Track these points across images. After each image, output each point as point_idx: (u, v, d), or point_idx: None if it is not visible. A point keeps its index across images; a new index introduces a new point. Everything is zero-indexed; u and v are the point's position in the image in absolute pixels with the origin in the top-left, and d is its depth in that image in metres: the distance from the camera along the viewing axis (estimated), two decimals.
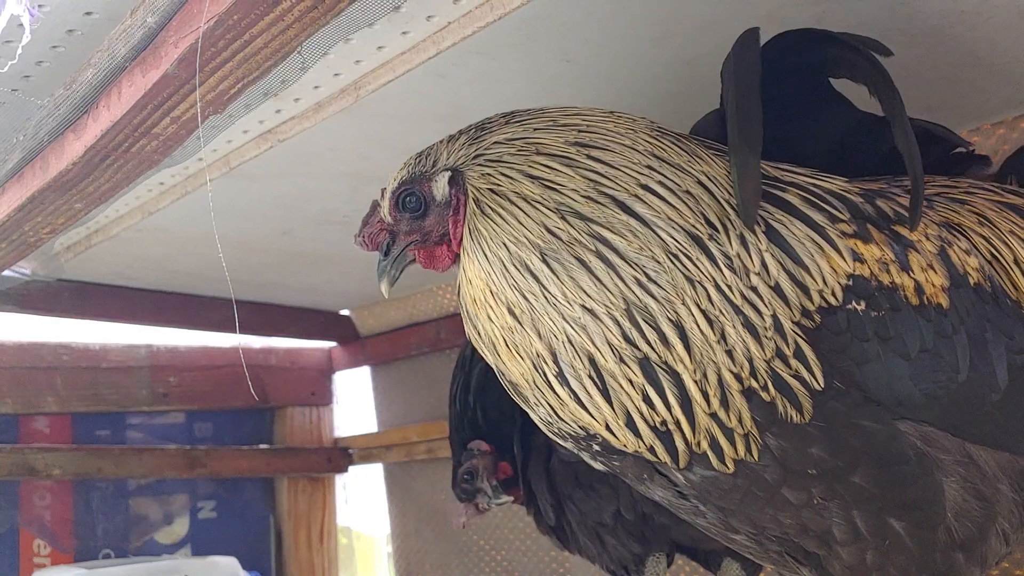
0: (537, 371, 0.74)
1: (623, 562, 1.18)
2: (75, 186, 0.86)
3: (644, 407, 0.72)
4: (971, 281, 0.79)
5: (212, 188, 1.44)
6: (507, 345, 0.75)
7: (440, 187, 0.81)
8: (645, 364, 0.71)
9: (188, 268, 1.93)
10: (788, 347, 0.72)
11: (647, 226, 0.72)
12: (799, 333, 0.72)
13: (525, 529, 2.06)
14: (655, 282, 0.71)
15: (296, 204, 1.52)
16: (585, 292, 0.71)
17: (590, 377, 0.72)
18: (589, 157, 0.75)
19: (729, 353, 0.71)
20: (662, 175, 0.74)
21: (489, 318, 0.75)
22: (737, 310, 0.71)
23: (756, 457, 0.73)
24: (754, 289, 0.72)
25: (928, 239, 0.79)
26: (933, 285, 0.77)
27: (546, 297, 0.72)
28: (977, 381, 0.77)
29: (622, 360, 0.71)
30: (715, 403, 0.71)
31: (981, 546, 0.78)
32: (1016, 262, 0.84)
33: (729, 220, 0.74)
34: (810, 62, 0.89)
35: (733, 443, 0.73)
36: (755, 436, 0.73)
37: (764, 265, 0.73)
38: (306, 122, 1.23)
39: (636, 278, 0.71)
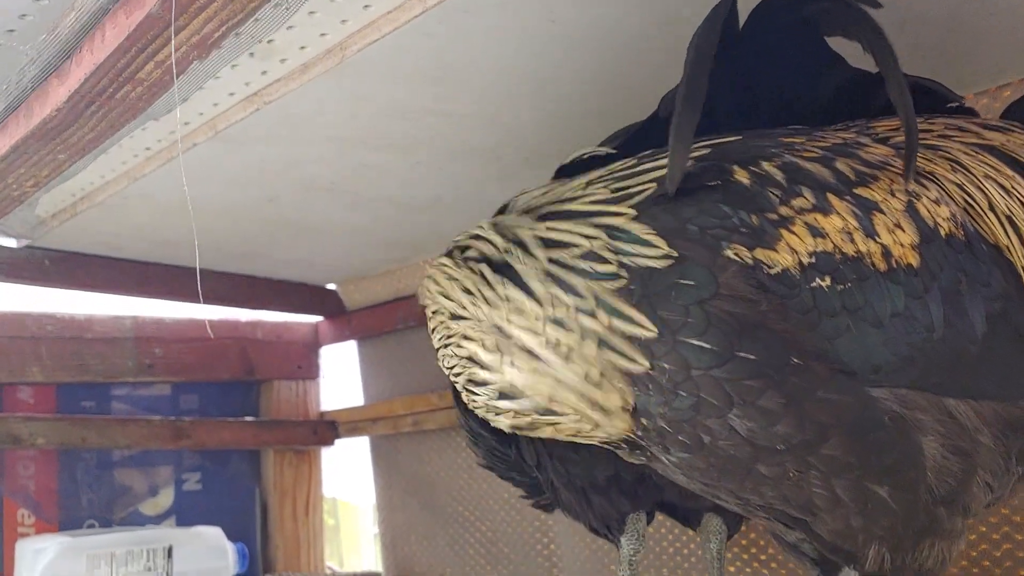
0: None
1: (607, 521, 1.19)
2: (59, 135, 0.86)
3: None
4: (942, 232, 0.79)
5: (197, 154, 1.44)
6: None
7: None
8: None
9: (174, 238, 1.92)
10: None
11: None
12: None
13: (510, 500, 2.07)
14: None
15: (281, 169, 1.52)
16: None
17: None
18: None
19: None
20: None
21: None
22: None
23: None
24: None
25: (895, 195, 0.79)
26: (901, 245, 0.77)
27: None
28: (954, 336, 0.77)
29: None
30: None
31: (963, 498, 0.79)
32: (991, 208, 0.83)
33: None
34: (804, 18, 0.90)
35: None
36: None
37: None
38: (292, 83, 1.22)
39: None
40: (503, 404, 0.79)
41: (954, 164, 0.86)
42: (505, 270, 0.78)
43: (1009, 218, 0.84)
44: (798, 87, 0.97)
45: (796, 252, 0.74)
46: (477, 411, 0.83)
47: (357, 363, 2.47)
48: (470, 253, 0.82)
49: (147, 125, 1.31)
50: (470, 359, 0.79)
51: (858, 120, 0.90)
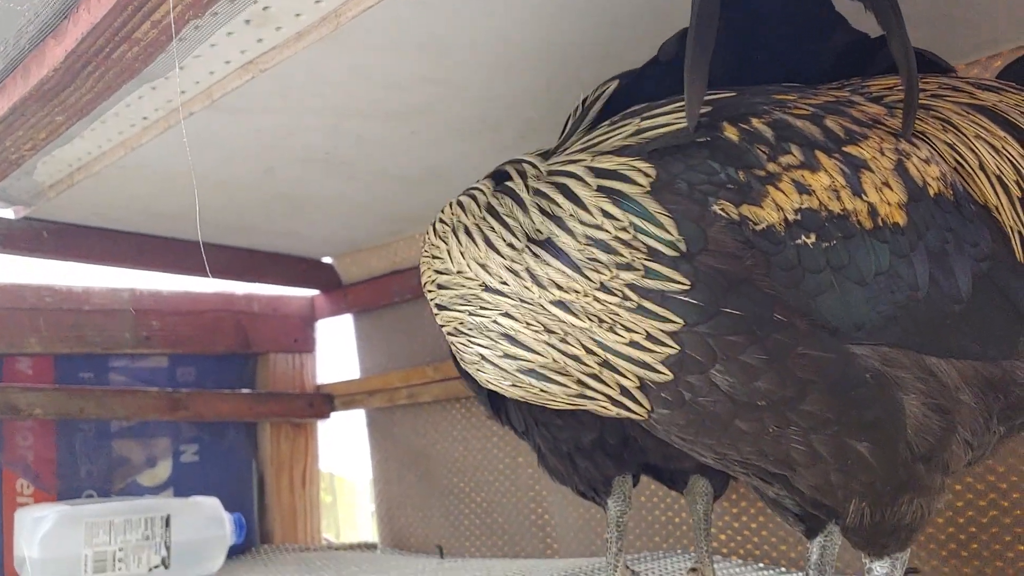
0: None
1: (593, 483, 1.21)
2: (56, 96, 0.87)
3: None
4: (931, 192, 0.79)
5: (193, 124, 1.44)
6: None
7: None
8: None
9: (171, 210, 1.93)
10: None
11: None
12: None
13: (504, 471, 2.09)
14: None
15: (277, 140, 1.53)
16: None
17: None
18: None
19: None
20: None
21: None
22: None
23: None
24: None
25: (884, 154, 0.79)
26: (888, 204, 0.77)
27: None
28: (938, 295, 0.78)
29: None
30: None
31: (942, 455, 0.80)
32: (981, 167, 0.84)
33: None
34: None
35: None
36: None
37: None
38: (287, 51, 1.23)
39: None
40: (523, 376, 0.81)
41: (945, 124, 0.86)
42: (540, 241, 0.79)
43: (999, 178, 0.84)
44: (800, 49, 0.97)
45: (782, 209, 0.75)
46: (490, 384, 0.85)
47: (353, 336, 2.48)
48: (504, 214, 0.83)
49: (144, 94, 1.32)
50: (503, 334, 0.81)
51: (854, 79, 0.91)
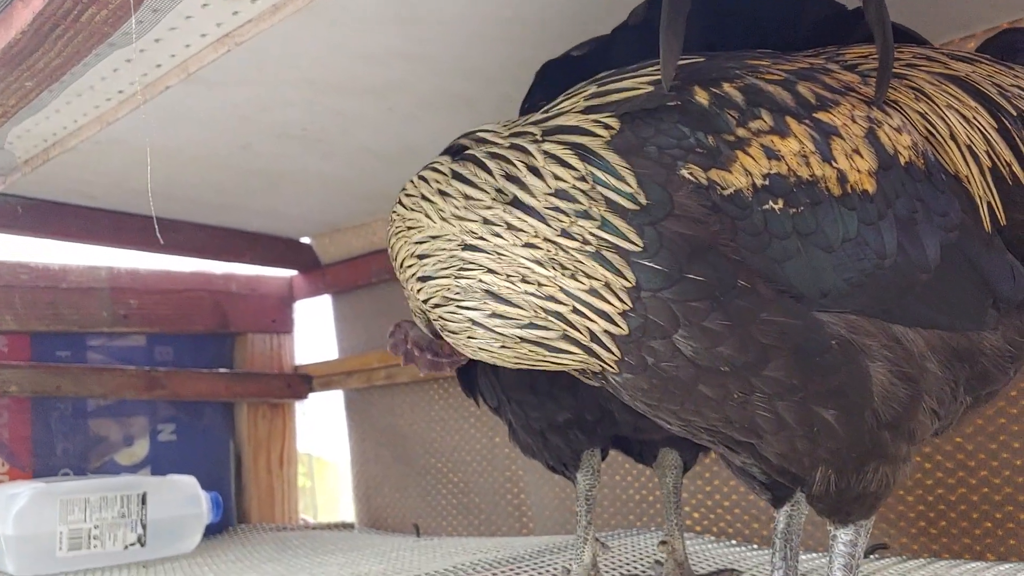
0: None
1: (562, 458, 1.21)
2: (25, 60, 0.86)
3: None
4: (902, 160, 0.80)
5: (170, 98, 1.43)
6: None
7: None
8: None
9: (146, 187, 1.92)
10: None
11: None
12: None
13: (481, 451, 2.10)
14: None
15: (254, 114, 1.52)
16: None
17: None
18: None
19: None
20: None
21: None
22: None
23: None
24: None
25: (855, 121, 0.80)
26: (858, 171, 0.78)
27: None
28: (905, 264, 0.78)
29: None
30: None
31: (908, 423, 0.81)
32: (952, 137, 0.84)
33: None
34: None
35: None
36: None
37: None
38: (263, 24, 1.22)
39: None
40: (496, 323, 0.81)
41: (918, 93, 0.86)
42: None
43: (970, 148, 0.85)
44: (775, 17, 0.97)
45: (750, 174, 0.76)
46: (480, 352, 0.85)
47: (331, 317, 2.48)
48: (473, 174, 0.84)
49: (119, 66, 1.31)
50: (488, 292, 0.81)
51: (829, 48, 0.91)
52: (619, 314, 0.77)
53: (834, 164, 0.77)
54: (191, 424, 2.32)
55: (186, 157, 1.73)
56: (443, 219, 0.82)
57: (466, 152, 0.85)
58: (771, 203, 0.76)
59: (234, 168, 1.81)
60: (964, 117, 0.86)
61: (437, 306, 0.85)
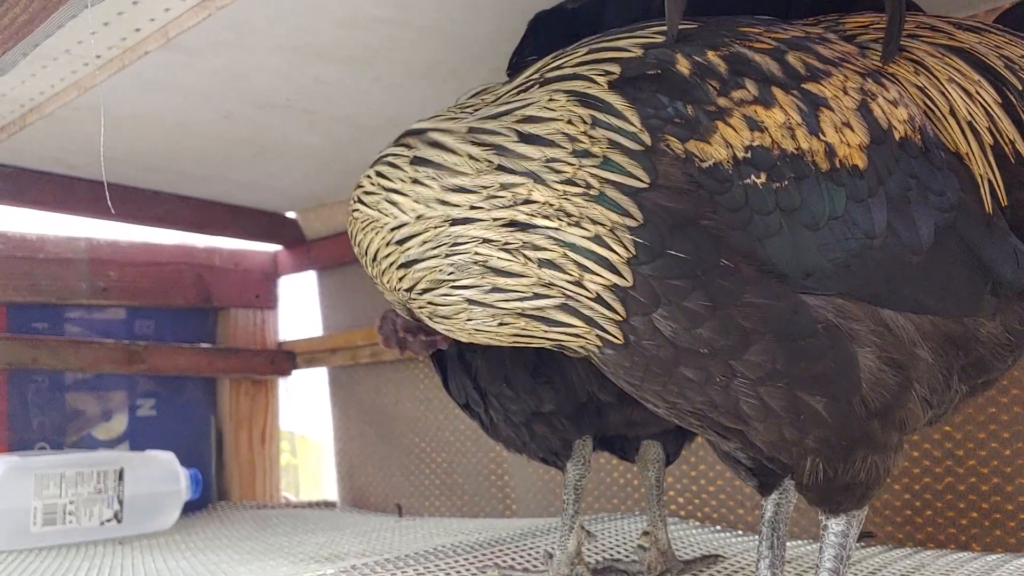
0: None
1: (553, 449, 1.18)
2: None
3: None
4: (896, 135, 0.76)
5: (149, 63, 1.39)
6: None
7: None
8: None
9: (127, 156, 1.88)
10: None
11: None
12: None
13: (466, 431, 2.07)
14: None
15: (236, 81, 1.48)
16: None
17: None
18: None
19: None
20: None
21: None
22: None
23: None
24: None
25: (847, 93, 0.76)
26: (848, 145, 0.74)
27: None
28: (895, 244, 0.75)
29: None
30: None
31: (898, 412, 0.78)
32: (952, 112, 0.80)
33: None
34: None
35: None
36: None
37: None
38: None
39: None
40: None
41: (918, 66, 0.82)
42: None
43: (971, 124, 0.81)
44: None
45: (731, 145, 0.72)
46: (477, 334, 0.82)
47: (316, 293, 2.45)
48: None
49: (97, 30, 1.27)
50: (485, 266, 0.77)
51: (831, 15, 0.88)
52: (624, 263, 0.73)
53: (822, 137, 0.73)
54: (171, 399, 2.28)
55: (168, 125, 1.69)
56: (419, 204, 0.79)
57: (420, 136, 0.81)
58: (753, 177, 0.72)
59: (216, 138, 1.76)
60: (966, 91, 0.82)
61: (425, 291, 0.81)
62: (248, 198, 2.26)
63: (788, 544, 1.37)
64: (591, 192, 0.73)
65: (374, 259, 0.84)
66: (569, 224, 0.74)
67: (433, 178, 0.79)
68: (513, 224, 0.75)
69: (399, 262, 0.81)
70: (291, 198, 2.28)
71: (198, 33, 1.28)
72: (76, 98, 1.52)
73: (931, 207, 0.76)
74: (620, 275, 0.73)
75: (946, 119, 0.80)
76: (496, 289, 0.77)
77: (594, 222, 0.73)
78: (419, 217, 0.79)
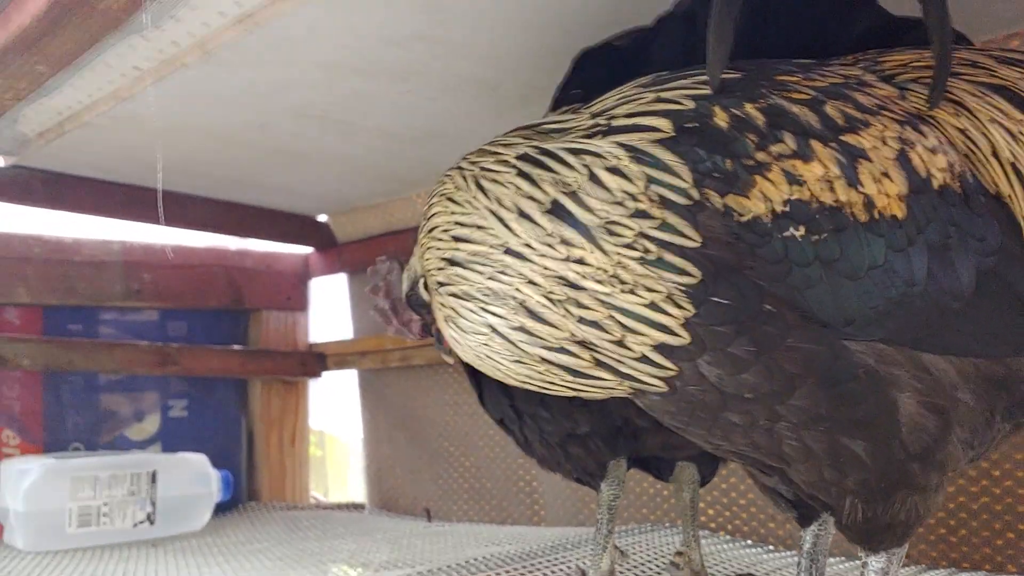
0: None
1: (588, 470, 1.18)
2: (36, 43, 0.83)
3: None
4: (935, 184, 0.76)
5: (187, 76, 1.40)
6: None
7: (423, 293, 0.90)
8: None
9: (165, 162, 1.89)
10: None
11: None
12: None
13: (495, 436, 2.08)
14: None
15: (272, 94, 1.49)
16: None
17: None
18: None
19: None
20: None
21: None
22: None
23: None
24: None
25: (886, 143, 0.75)
26: (887, 195, 0.74)
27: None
28: (936, 291, 0.74)
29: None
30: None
31: (938, 454, 0.78)
32: (995, 154, 0.80)
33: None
34: None
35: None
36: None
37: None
38: (283, 5, 1.19)
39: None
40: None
41: (958, 107, 0.81)
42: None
43: (1013, 166, 0.80)
44: (825, 27, 0.93)
45: (769, 200, 0.72)
46: (486, 360, 0.81)
47: (347, 296, 2.46)
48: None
49: (135, 43, 1.28)
50: (522, 305, 0.77)
51: (870, 52, 0.87)
52: (680, 325, 0.73)
53: (860, 189, 0.73)
54: (203, 400, 2.30)
55: (202, 134, 1.70)
56: (490, 214, 0.77)
57: (534, 154, 0.80)
58: (792, 230, 0.72)
59: (251, 146, 1.77)
60: (1009, 131, 0.81)
61: (454, 295, 0.80)
62: (281, 202, 2.27)
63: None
64: (648, 257, 0.73)
65: (431, 231, 0.83)
66: (623, 291, 0.74)
67: (515, 195, 0.78)
68: (562, 279, 0.75)
69: (446, 254, 0.81)
70: (323, 202, 2.29)
71: (236, 47, 1.29)
72: (113, 108, 1.53)
73: (972, 253, 0.76)
74: (675, 334, 0.73)
75: (988, 161, 0.80)
76: (523, 330, 0.77)
77: (649, 290, 0.73)
78: (479, 228, 0.79)
